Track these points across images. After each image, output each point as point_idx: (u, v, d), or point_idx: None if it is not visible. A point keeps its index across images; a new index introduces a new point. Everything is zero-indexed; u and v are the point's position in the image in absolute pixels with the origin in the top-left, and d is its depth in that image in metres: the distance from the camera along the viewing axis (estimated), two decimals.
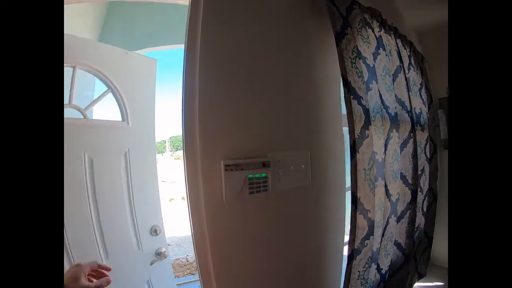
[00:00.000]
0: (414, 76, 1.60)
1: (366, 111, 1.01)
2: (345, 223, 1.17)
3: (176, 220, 7.13)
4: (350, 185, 1.01)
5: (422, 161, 1.56)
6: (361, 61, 1.08)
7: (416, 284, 1.85)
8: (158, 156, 31.31)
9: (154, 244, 1.30)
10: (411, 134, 1.39)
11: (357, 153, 0.96)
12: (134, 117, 1.37)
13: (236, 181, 0.82)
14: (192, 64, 0.78)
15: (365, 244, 1.02)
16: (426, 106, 1.73)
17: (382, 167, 1.13)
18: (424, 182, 1.62)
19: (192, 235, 0.83)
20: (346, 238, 1.18)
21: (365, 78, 1.08)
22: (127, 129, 1.35)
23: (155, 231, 1.29)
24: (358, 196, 0.97)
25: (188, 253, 4.89)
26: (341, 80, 0.99)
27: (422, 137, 1.58)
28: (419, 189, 1.45)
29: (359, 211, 0.98)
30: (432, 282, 1.92)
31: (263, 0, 0.93)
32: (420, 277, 1.86)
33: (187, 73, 0.78)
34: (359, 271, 1.03)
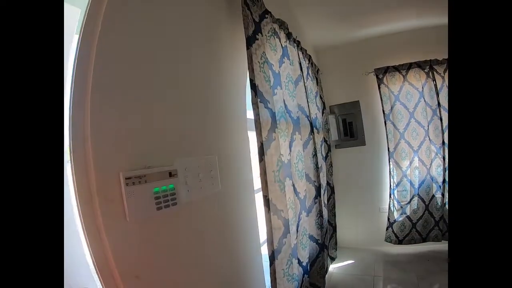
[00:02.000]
0: (311, 85, 1.82)
1: (273, 115, 1.05)
2: (258, 224, 1.18)
3: None
4: (259, 187, 1.02)
5: (320, 160, 1.78)
6: (268, 66, 1.13)
7: (331, 267, 2.09)
8: None
9: None
10: (311, 136, 1.56)
11: (265, 156, 0.98)
12: None
13: (140, 196, 0.69)
14: (86, 60, 0.62)
15: (284, 243, 1.05)
16: (320, 111, 2.00)
17: (289, 168, 1.20)
18: (323, 178, 1.85)
19: (95, 268, 0.65)
20: (261, 238, 1.20)
21: (271, 83, 1.13)
22: None
23: None
24: (270, 198, 0.99)
25: None
26: (249, 84, 1.00)
27: (318, 138, 1.80)
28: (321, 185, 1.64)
29: (272, 212, 1.00)
30: (343, 262, 2.21)
31: None
32: (332, 260, 2.12)
33: (78, 71, 0.61)
34: (283, 269, 1.05)
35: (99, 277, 0.65)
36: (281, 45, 1.37)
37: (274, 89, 1.17)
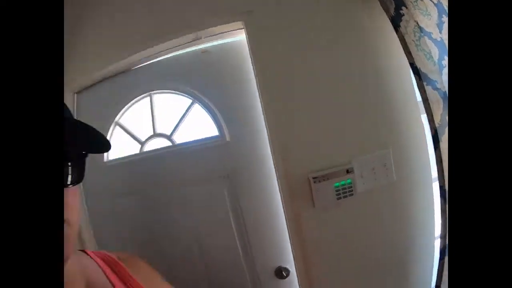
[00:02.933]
0: None
1: (444, 95, 0.95)
2: (434, 216, 1.13)
3: None
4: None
5: None
6: (426, 38, 1.00)
7: None
8: None
9: None
10: None
11: (440, 142, 0.91)
12: (234, 127, 1.02)
13: (324, 190, 0.90)
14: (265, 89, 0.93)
15: None
16: None
17: None
18: None
19: (291, 244, 0.94)
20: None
21: (436, 57, 1.00)
22: (225, 144, 1.01)
23: (281, 272, 0.98)
24: (447, 189, 0.93)
25: None
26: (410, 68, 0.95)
27: None
28: None
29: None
30: None
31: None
32: None
33: (263, 99, 0.92)
34: None
35: (291, 245, 0.94)
36: (433, 2, 1.14)
37: (441, 60, 1.02)
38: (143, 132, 1.14)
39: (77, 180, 0.40)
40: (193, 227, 1.04)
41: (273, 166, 0.94)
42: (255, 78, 0.94)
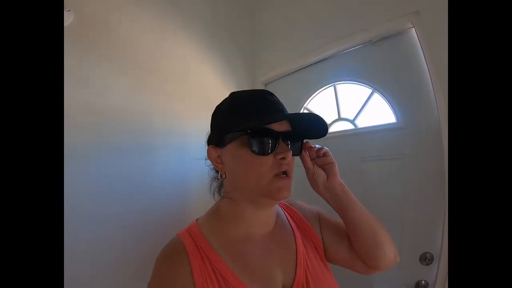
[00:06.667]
0: None
1: None
2: None
3: None
4: None
5: None
6: None
7: None
8: None
9: (418, 274, 1.00)
10: None
11: None
12: (409, 114, 1.08)
13: None
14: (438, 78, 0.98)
15: None
16: None
17: None
18: None
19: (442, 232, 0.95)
20: None
21: None
22: (401, 129, 1.09)
23: (426, 259, 0.99)
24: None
25: None
26: None
27: None
28: None
29: None
30: None
31: None
32: None
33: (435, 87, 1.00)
34: None
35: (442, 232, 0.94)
36: None
37: None
38: (329, 116, 1.35)
39: (297, 153, 0.58)
40: (364, 196, 1.12)
41: (443, 153, 0.93)
42: (427, 67, 0.99)
